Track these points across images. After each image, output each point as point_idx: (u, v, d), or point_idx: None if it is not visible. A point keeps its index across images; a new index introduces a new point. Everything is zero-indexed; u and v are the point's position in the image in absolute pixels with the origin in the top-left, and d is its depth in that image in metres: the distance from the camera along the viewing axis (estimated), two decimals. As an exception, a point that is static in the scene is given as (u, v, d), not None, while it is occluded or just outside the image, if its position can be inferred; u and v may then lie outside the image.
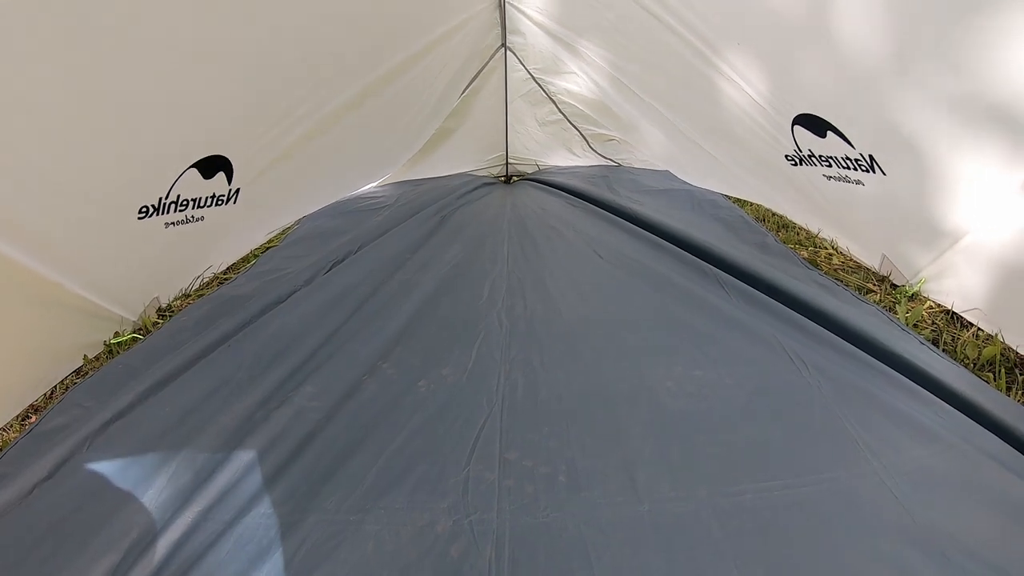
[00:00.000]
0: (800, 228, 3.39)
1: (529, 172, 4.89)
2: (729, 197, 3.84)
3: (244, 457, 1.84)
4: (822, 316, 2.41)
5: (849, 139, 2.62)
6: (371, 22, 3.33)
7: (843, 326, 2.34)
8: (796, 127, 2.86)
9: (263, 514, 1.67)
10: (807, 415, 1.97)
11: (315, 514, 1.67)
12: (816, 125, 2.75)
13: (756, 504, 1.65)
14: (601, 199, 3.84)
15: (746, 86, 3.01)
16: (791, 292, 2.56)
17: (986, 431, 1.87)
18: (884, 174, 2.55)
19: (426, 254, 3.28)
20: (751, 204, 3.74)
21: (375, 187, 4.53)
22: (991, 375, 2.20)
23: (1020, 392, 2.13)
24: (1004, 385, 2.14)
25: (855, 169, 2.67)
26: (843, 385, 2.08)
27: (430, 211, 3.86)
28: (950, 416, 1.93)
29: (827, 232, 3.20)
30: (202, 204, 2.94)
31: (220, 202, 3.03)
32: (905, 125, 2.36)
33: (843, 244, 3.09)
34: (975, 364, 2.27)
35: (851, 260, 3.03)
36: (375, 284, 2.93)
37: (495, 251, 3.32)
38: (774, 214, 3.58)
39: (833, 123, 2.67)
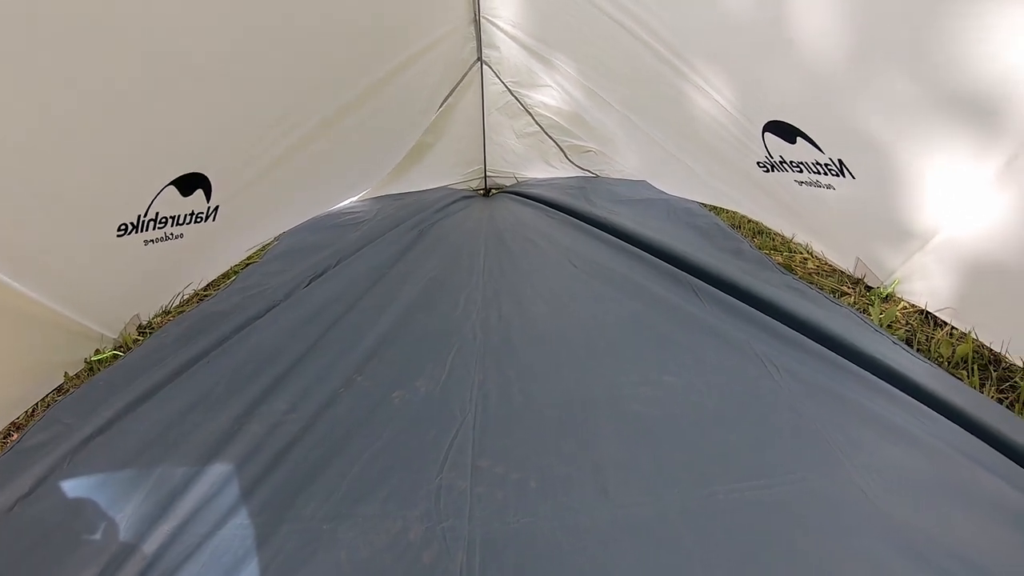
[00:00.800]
0: (775, 233, 3.40)
1: (508, 184, 4.90)
2: (705, 205, 3.86)
3: (221, 470, 1.86)
4: (794, 320, 2.42)
5: (818, 144, 2.64)
6: (347, 40, 3.33)
7: (815, 329, 2.36)
8: (767, 134, 2.88)
9: (239, 525, 1.67)
10: (778, 418, 1.98)
11: (290, 524, 1.68)
12: (786, 132, 2.77)
13: (726, 506, 1.65)
14: (577, 210, 3.86)
15: (717, 96, 3.03)
16: (764, 297, 2.57)
17: (960, 429, 1.88)
18: (854, 178, 2.57)
19: (403, 268, 3.29)
20: (726, 211, 3.76)
21: (354, 202, 4.53)
22: (965, 373, 2.21)
23: (994, 388, 2.15)
24: (977, 382, 2.15)
25: (825, 174, 2.69)
26: (814, 387, 2.09)
27: (408, 225, 3.87)
28: (923, 415, 1.94)
29: (801, 237, 3.22)
30: (181, 222, 2.92)
31: (199, 219, 3.02)
32: (871, 128, 2.38)
33: (817, 248, 3.11)
34: (949, 362, 2.28)
35: (826, 264, 3.05)
36: (352, 298, 2.93)
37: (471, 264, 3.32)
38: (749, 220, 3.60)
39: (802, 129, 2.69)
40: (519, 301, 2.85)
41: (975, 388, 2.12)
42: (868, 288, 2.78)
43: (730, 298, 2.63)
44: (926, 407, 1.97)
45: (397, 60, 3.74)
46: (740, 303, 2.59)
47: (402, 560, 1.55)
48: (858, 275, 2.87)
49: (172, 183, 2.78)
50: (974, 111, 2.05)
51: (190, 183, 2.88)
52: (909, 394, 2.02)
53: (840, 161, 2.59)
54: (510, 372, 2.30)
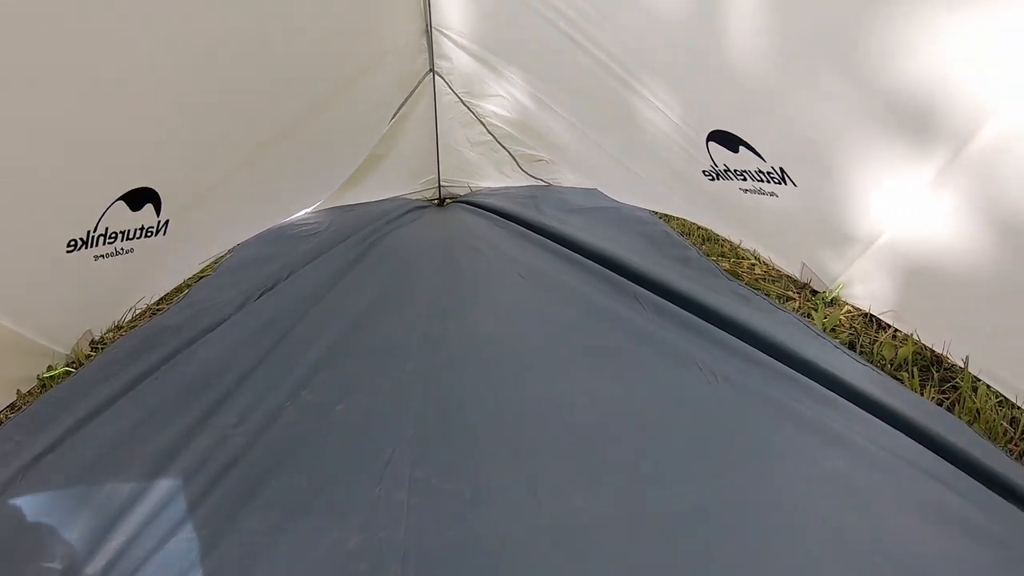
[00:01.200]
0: (724, 240, 3.45)
1: (462, 194, 4.91)
2: (656, 213, 3.90)
3: (168, 485, 1.86)
4: (736, 326, 2.45)
5: (760, 153, 2.68)
6: (298, 51, 3.30)
7: (755, 335, 2.39)
8: (711, 143, 2.91)
9: (184, 539, 1.68)
10: (715, 425, 2.01)
11: (232, 536, 1.69)
12: (729, 141, 2.81)
13: (660, 513, 1.68)
14: (527, 220, 3.87)
15: (662, 106, 3.05)
16: (706, 304, 2.60)
17: (898, 432, 1.91)
18: (795, 185, 2.62)
19: (353, 280, 3.28)
20: (677, 219, 3.80)
21: (308, 214, 4.50)
22: (906, 375, 2.26)
23: (935, 390, 2.19)
24: (917, 384, 2.20)
25: (768, 182, 2.73)
26: (752, 394, 2.12)
27: (359, 236, 3.86)
28: (861, 420, 1.97)
29: (749, 243, 3.27)
30: (131, 236, 2.88)
31: (149, 234, 2.98)
32: (810, 136, 2.43)
33: (765, 254, 3.16)
34: (891, 365, 2.33)
35: (773, 270, 3.10)
36: (301, 311, 2.92)
37: (419, 275, 3.34)
38: (699, 228, 3.64)
39: (744, 138, 2.72)
40: (463, 312, 2.87)
41: (915, 390, 2.17)
42: (814, 293, 2.83)
43: (672, 306, 2.65)
44: (865, 412, 1.99)
45: (349, 71, 3.72)
46: (682, 311, 2.61)
47: (339, 571, 1.57)
48: (804, 280, 2.91)
49: (121, 198, 2.74)
50: (909, 117, 2.09)
51: (139, 198, 2.84)
52: (849, 398, 2.05)
53: (781, 169, 2.63)
54: (451, 384, 2.32)
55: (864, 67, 2.12)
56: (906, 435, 1.91)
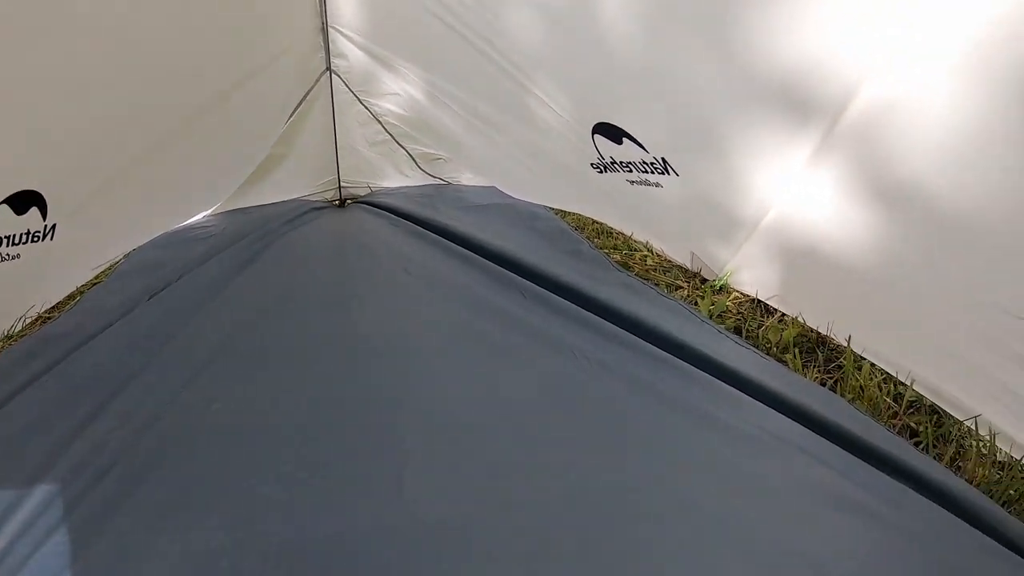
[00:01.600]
0: (618, 233, 3.45)
1: (362, 195, 4.81)
2: (552, 208, 3.88)
3: (46, 491, 1.77)
4: (617, 315, 2.44)
5: (642, 144, 2.68)
6: (189, 49, 3.13)
7: (637, 322, 2.37)
8: (596, 136, 2.90)
9: (59, 543, 1.60)
10: (589, 414, 1.99)
11: (107, 539, 1.61)
12: (613, 133, 2.80)
13: (527, 502, 1.65)
14: (423, 218, 3.81)
15: (549, 100, 3.03)
16: (589, 294, 2.58)
17: (780, 415, 1.92)
18: (677, 175, 2.63)
19: (243, 282, 3.16)
20: (573, 214, 3.79)
21: (206, 217, 4.32)
22: (791, 357, 2.28)
23: (819, 370, 2.22)
24: (800, 365, 2.22)
25: (652, 172, 2.73)
26: (629, 380, 2.10)
27: (253, 238, 3.72)
28: (742, 403, 1.97)
29: (640, 235, 3.27)
30: (16, 242, 2.70)
31: (36, 239, 2.78)
32: (689, 123, 2.45)
33: (656, 245, 3.17)
34: (777, 348, 2.36)
35: (665, 260, 3.11)
36: (188, 314, 2.80)
37: (310, 276, 3.27)
38: (595, 221, 3.63)
39: (626, 129, 2.72)
40: (347, 311, 2.81)
41: (798, 371, 2.19)
42: (703, 281, 2.85)
43: (556, 298, 2.63)
44: (746, 395, 2.00)
45: (243, 70, 3.56)
46: (565, 302, 2.59)
47: (210, 569, 1.52)
48: (695, 269, 2.93)
49: (4, 201, 2.56)
50: (782, 95, 2.11)
51: (24, 201, 2.66)
52: (730, 382, 2.05)
53: (664, 159, 2.63)
54: (328, 382, 2.27)
55: (735, 49, 2.14)
56: (789, 417, 1.92)
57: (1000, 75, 1.63)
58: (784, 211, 2.34)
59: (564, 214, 3.83)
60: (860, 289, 2.21)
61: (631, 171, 2.85)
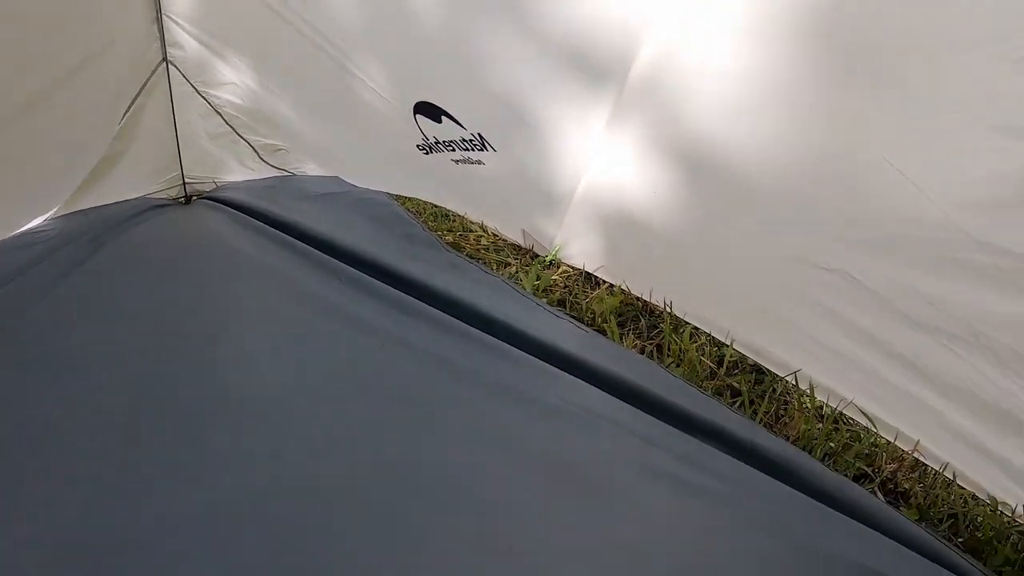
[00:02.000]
0: (456, 215, 3.37)
1: (207, 190, 4.57)
2: (391, 194, 3.78)
3: None
4: (433, 295, 2.36)
5: (459, 121, 2.60)
6: (7, 39, 2.85)
7: (452, 301, 2.30)
8: (418, 116, 2.80)
9: None
10: (386, 393, 1.91)
11: None
12: (432, 112, 2.71)
13: (300, 488, 1.57)
14: (261, 211, 3.64)
15: (371, 83, 2.92)
16: (409, 276, 2.48)
17: (589, 386, 1.87)
18: (495, 150, 2.56)
19: (71, 284, 2.93)
20: (412, 198, 3.70)
21: (44, 220, 4.01)
22: (611, 327, 2.26)
23: (639, 337, 2.20)
24: (617, 335, 2.20)
25: (472, 149, 2.66)
26: (432, 358, 2.02)
27: (87, 239, 3.44)
28: (549, 376, 1.91)
29: (473, 215, 3.20)
30: None
31: None
32: (498, 95, 2.37)
33: (491, 224, 3.10)
34: (600, 319, 2.33)
35: (500, 239, 3.04)
36: (14, 320, 2.57)
37: (134, 276, 3.04)
38: (434, 205, 3.54)
39: (442, 107, 2.63)
40: (163, 310, 2.64)
41: (617, 341, 2.16)
42: (535, 257, 2.80)
43: (376, 282, 2.52)
44: (557, 368, 1.94)
45: (71, 62, 3.26)
46: (386, 286, 2.47)
47: (12, 568, 1.39)
48: (528, 246, 2.88)
49: None
50: (572, 62, 2.07)
51: None
52: (541, 357, 1.99)
53: (480, 135, 2.56)
54: (137, 377, 2.12)
55: (527, 14, 2.08)
56: (602, 388, 1.87)
57: (778, 22, 1.63)
58: (594, 179, 2.31)
59: (403, 199, 3.72)
60: (673, 252, 2.21)
61: (454, 150, 2.77)
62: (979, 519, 1.78)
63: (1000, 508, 1.74)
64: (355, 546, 1.41)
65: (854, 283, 1.76)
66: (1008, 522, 1.73)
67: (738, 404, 2.03)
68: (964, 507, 1.82)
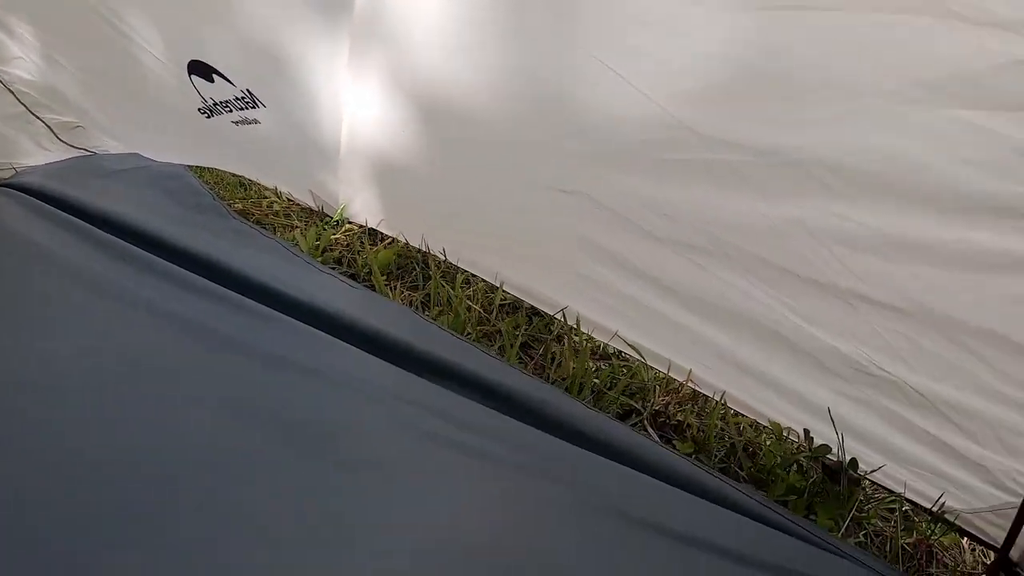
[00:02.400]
0: (254, 183, 3.23)
1: (6, 177, 4.25)
2: (191, 167, 3.61)
3: None
4: (197, 261, 2.27)
5: (228, 78, 2.48)
6: None
7: (220, 267, 2.20)
8: (193, 77, 2.65)
9: None
10: (133, 366, 1.78)
11: None
12: (204, 71, 2.57)
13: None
14: (58, 196, 3.40)
15: (147, 45, 2.76)
16: (181, 246, 2.38)
17: (348, 345, 1.80)
18: (265, 106, 2.46)
19: None
20: (209, 168, 3.54)
21: None
22: (384, 280, 2.22)
23: (408, 288, 2.16)
24: (384, 288, 2.15)
25: (246, 108, 2.54)
26: (180, 325, 1.93)
27: None
28: (304, 337, 1.84)
29: (266, 181, 3.07)
30: None
31: None
32: (259, 44, 2.27)
33: (283, 188, 2.99)
34: (381, 274, 2.28)
35: (294, 203, 2.94)
36: None
37: None
38: (233, 175, 3.40)
39: (214, 65, 2.50)
40: None
41: (385, 295, 2.12)
42: (324, 218, 2.72)
43: (144, 253, 2.39)
44: (318, 330, 1.85)
45: None
46: (155, 257, 2.36)
47: None
48: (318, 207, 2.79)
49: None
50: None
51: None
52: (302, 318, 1.90)
53: (249, 91, 2.45)
54: None
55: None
56: (364, 348, 1.79)
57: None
58: (353, 127, 2.24)
59: (201, 170, 3.56)
60: (432, 197, 2.19)
61: (231, 111, 2.65)
62: (762, 448, 1.79)
63: (787, 434, 1.75)
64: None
65: (593, 203, 1.73)
66: (796, 449, 1.75)
67: (499, 347, 2.02)
68: (744, 436, 1.84)
